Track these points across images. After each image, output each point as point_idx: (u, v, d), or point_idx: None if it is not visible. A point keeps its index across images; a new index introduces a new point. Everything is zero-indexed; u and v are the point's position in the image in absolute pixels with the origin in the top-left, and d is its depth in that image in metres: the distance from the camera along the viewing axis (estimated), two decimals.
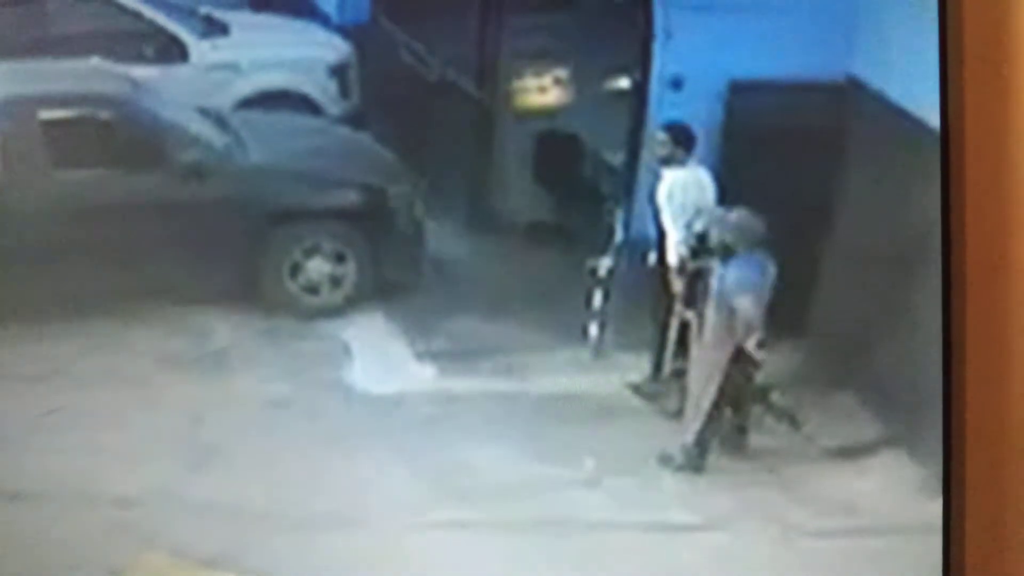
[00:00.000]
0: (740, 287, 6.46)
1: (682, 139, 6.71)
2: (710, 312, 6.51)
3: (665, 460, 6.51)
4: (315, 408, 6.59)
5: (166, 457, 6.34)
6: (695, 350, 6.62)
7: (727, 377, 6.48)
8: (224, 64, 7.51)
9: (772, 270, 6.43)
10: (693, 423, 6.53)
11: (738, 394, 6.53)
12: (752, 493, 6.38)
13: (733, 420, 6.56)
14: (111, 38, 7.29)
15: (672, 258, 6.73)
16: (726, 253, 6.45)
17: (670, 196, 6.71)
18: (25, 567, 5.98)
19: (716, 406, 6.51)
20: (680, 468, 6.48)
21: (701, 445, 6.50)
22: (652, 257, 6.79)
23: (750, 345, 6.41)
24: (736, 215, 6.46)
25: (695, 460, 6.49)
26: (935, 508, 5.70)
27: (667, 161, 6.76)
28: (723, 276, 6.49)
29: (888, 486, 6.31)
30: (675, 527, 6.25)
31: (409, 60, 7.56)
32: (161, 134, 7.04)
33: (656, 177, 6.77)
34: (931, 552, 5.66)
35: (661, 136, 6.75)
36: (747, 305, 6.42)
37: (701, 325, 6.59)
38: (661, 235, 6.78)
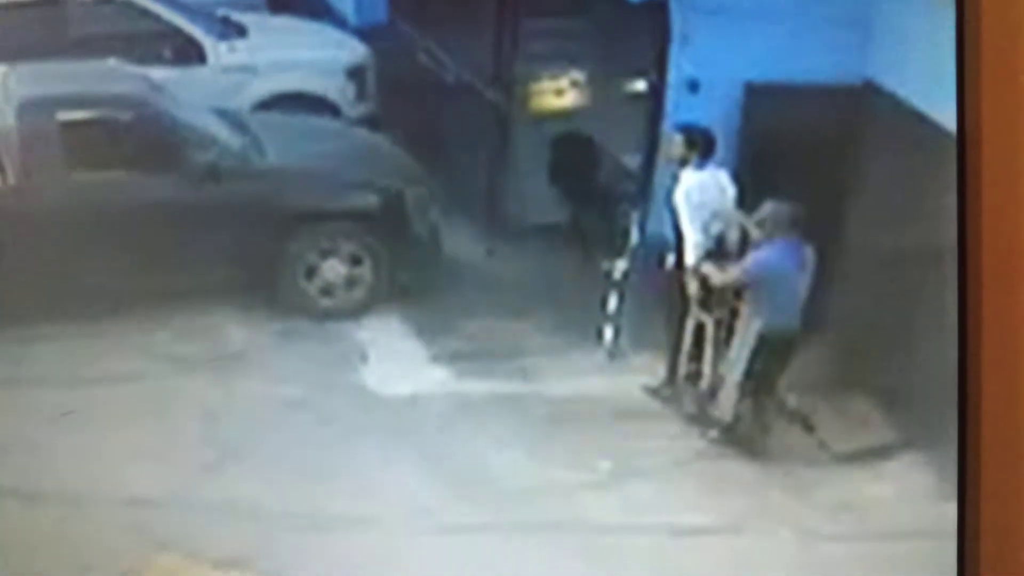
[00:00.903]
0: (761, 269, 6.47)
1: (697, 141, 6.70)
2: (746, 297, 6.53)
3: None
4: (330, 409, 6.59)
5: (181, 458, 6.35)
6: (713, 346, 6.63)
7: (755, 359, 6.48)
8: (241, 66, 7.54)
9: (810, 255, 6.42)
10: (726, 404, 6.54)
11: (765, 383, 6.52)
12: (767, 496, 6.36)
13: (755, 419, 6.54)
14: (129, 40, 7.32)
15: (689, 260, 6.72)
16: (756, 237, 6.47)
17: (687, 198, 6.70)
18: (41, 567, 5.98)
19: (745, 382, 6.50)
20: (714, 441, 6.47)
21: (736, 421, 6.50)
22: (670, 260, 6.78)
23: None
24: (768, 205, 6.46)
25: (729, 434, 6.50)
26: (950, 512, 5.67)
27: (683, 163, 6.74)
28: (753, 259, 6.51)
29: (903, 490, 6.30)
30: (690, 530, 6.23)
31: (426, 62, 7.57)
32: (178, 135, 7.06)
33: (675, 179, 6.75)
34: (946, 556, 5.64)
35: (676, 138, 6.73)
36: (764, 284, 6.44)
37: (734, 314, 6.61)
38: (679, 238, 6.77)
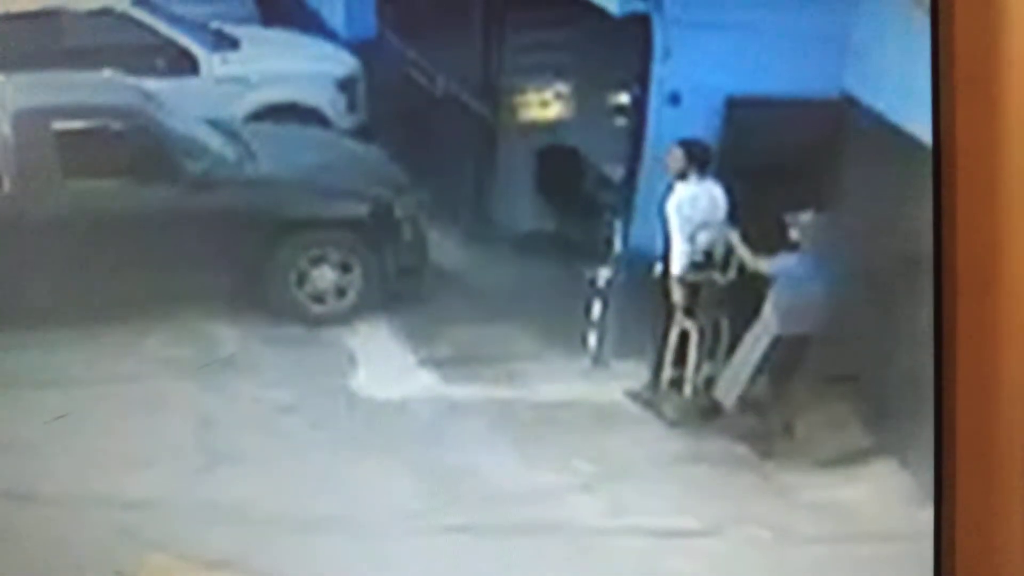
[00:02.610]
0: (787, 271, 6.48)
1: (697, 155, 6.67)
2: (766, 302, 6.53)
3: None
4: (320, 414, 6.56)
5: (174, 461, 6.31)
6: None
7: (766, 359, 6.50)
8: (234, 77, 7.48)
9: (829, 269, 6.41)
10: (732, 391, 6.53)
11: (781, 386, 6.52)
12: (746, 499, 6.34)
13: (780, 415, 6.52)
14: (124, 51, 7.25)
15: (675, 269, 6.71)
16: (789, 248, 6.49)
17: (678, 209, 6.69)
18: (35, 568, 5.96)
19: (753, 379, 6.50)
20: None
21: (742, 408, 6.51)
22: (659, 267, 6.75)
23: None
24: (807, 216, 6.45)
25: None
26: (926, 516, 5.67)
27: (682, 176, 6.72)
28: (775, 268, 6.52)
29: (880, 494, 6.27)
30: (670, 532, 6.21)
31: (415, 75, 7.54)
32: (172, 145, 7.02)
33: (669, 189, 6.73)
34: (922, 558, 5.64)
35: (677, 152, 6.71)
36: (781, 295, 6.44)
37: (716, 325, 6.61)
38: (668, 246, 6.74)
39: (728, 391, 6.57)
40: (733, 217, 6.64)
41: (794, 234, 6.50)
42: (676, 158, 6.70)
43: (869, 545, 6.07)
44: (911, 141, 5.98)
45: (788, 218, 6.51)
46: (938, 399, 5.68)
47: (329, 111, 7.53)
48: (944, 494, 5.63)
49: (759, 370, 6.55)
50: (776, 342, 6.49)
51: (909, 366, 5.92)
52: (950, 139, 5.69)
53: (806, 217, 6.47)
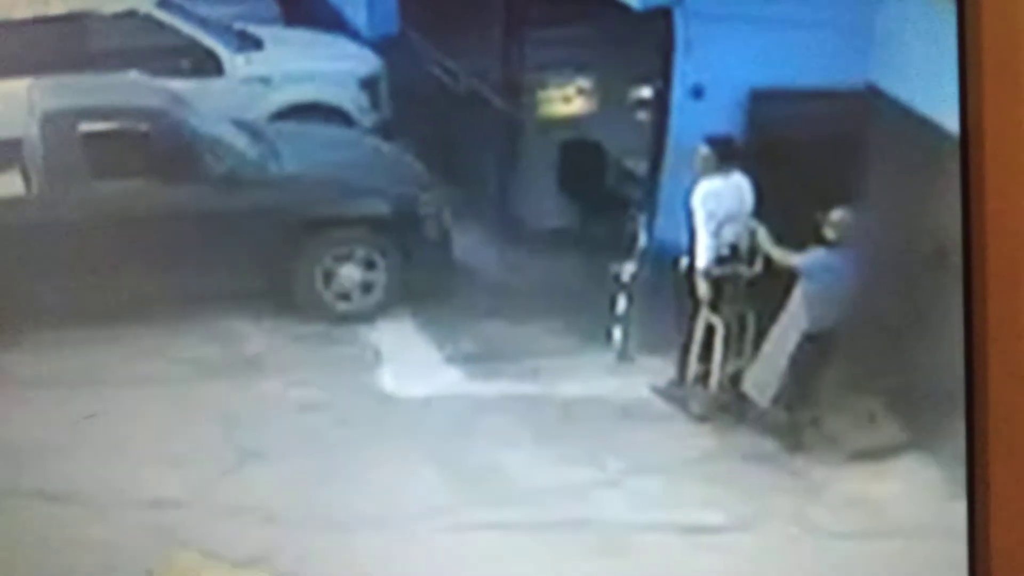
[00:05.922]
0: (815, 267, 6.33)
1: (724, 151, 6.49)
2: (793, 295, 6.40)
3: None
4: (346, 411, 6.43)
5: (201, 460, 6.22)
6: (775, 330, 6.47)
7: (794, 362, 6.36)
8: (258, 77, 7.36)
9: (857, 262, 6.26)
10: (767, 390, 6.38)
11: (809, 382, 6.36)
12: (776, 494, 6.18)
13: (809, 410, 6.35)
14: (149, 53, 7.15)
15: (700, 262, 6.54)
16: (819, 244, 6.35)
17: (703, 203, 6.52)
18: (63, 567, 5.89)
19: (787, 378, 6.36)
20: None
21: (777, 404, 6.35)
22: (684, 262, 6.60)
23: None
24: (838, 212, 6.30)
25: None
26: (959, 511, 5.50)
27: (708, 172, 6.55)
28: (805, 263, 6.37)
29: (912, 489, 6.12)
30: (698, 528, 6.07)
31: (437, 73, 7.41)
32: (198, 145, 6.90)
33: (694, 182, 6.56)
34: (956, 555, 5.48)
35: (703, 149, 6.52)
36: (809, 290, 6.31)
37: (742, 320, 6.48)
38: (693, 240, 6.58)
39: (763, 390, 6.39)
40: (759, 211, 6.46)
41: (830, 233, 6.33)
42: (703, 156, 6.53)
43: (901, 541, 5.93)
44: (938, 131, 5.82)
45: (819, 216, 6.31)
46: (969, 392, 5.52)
47: (352, 109, 7.41)
48: (977, 488, 5.48)
49: (790, 366, 6.34)
50: (806, 337, 6.32)
51: (939, 359, 5.76)
52: (978, 128, 5.55)
53: (838, 214, 6.29)
